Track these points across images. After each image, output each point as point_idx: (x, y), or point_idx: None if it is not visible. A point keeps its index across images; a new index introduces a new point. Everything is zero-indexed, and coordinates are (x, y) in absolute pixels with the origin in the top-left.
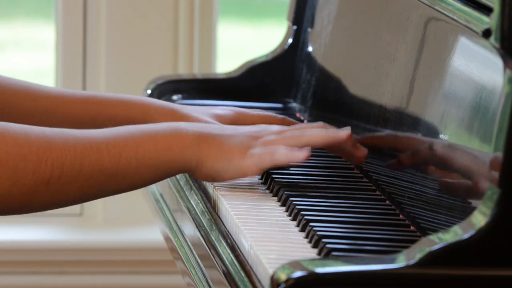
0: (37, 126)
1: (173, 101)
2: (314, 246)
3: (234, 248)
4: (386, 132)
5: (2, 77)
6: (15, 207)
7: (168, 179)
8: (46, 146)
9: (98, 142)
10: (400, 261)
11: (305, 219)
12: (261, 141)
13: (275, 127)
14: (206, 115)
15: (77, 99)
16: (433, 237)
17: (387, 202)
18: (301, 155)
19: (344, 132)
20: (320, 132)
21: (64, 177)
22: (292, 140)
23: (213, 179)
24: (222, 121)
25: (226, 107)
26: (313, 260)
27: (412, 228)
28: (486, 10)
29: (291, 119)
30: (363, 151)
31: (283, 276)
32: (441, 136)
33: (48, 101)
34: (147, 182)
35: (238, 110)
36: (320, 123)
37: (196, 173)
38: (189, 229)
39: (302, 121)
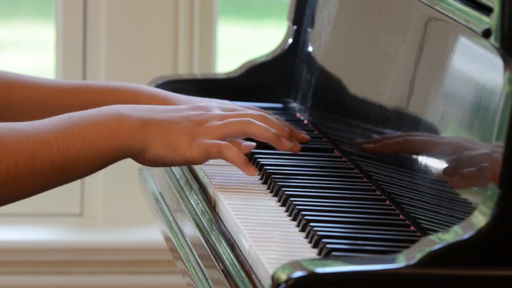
0: (28, 117)
1: None
2: (314, 246)
3: (234, 248)
4: (397, 137)
5: None
6: None
7: (168, 179)
8: (0, 147)
9: (48, 137)
10: (400, 261)
11: (305, 219)
12: (204, 128)
13: (217, 110)
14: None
15: (67, 89)
16: (433, 237)
17: (387, 202)
18: (246, 169)
19: (285, 145)
20: (265, 131)
21: (19, 175)
22: (236, 128)
23: (155, 164)
24: None
25: (223, 101)
26: (313, 260)
27: (412, 228)
28: (486, 10)
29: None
30: (303, 139)
31: (283, 276)
32: (441, 136)
33: (38, 92)
34: (94, 169)
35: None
36: (262, 113)
37: (139, 158)
38: (189, 229)
39: (302, 121)
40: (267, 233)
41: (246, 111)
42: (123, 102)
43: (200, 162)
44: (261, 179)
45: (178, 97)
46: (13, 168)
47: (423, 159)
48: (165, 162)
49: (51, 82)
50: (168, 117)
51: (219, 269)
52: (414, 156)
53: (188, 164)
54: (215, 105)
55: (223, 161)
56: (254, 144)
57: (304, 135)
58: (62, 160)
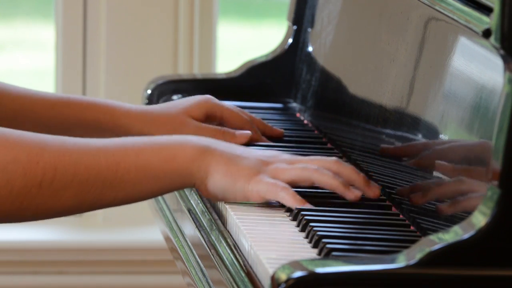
0: (9, 128)
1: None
2: (314, 246)
3: (234, 248)
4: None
5: None
6: (6, 212)
7: None
8: (39, 148)
9: (96, 148)
10: (400, 261)
11: (305, 219)
12: (271, 168)
13: (287, 155)
14: (181, 114)
15: (46, 101)
16: (433, 237)
17: (387, 202)
18: (306, 205)
19: (354, 194)
20: (333, 179)
21: (57, 181)
22: (303, 174)
23: (216, 197)
24: (194, 117)
25: (200, 100)
26: (313, 260)
27: (412, 228)
28: (486, 10)
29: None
30: (375, 192)
31: (283, 276)
32: (441, 136)
33: (15, 103)
34: (147, 194)
35: (211, 100)
36: (334, 160)
37: (201, 188)
38: (189, 229)
39: (302, 121)
40: (267, 233)
41: (317, 158)
42: (100, 116)
43: (257, 200)
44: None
45: (157, 109)
46: (51, 171)
47: (423, 159)
48: (225, 194)
49: (31, 93)
50: (236, 151)
51: (219, 269)
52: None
53: (247, 200)
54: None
55: None
56: (249, 132)
57: (377, 188)
58: (109, 174)
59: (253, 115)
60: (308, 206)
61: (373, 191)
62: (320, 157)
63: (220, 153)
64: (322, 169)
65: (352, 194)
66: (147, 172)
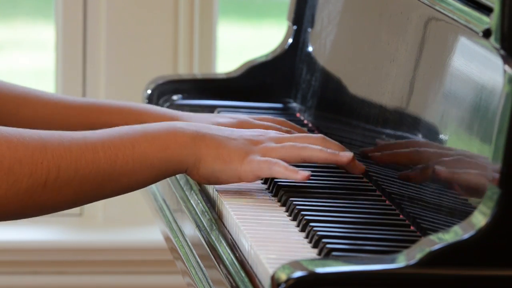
0: None
1: (173, 101)
2: (314, 246)
3: (234, 248)
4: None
5: (1, 82)
6: (12, 211)
7: (168, 179)
8: (41, 148)
9: (94, 142)
10: (400, 261)
11: (305, 219)
12: (260, 147)
13: (274, 133)
14: (208, 124)
15: (75, 106)
16: (433, 237)
17: (387, 202)
18: (299, 176)
19: (346, 157)
20: (320, 152)
21: (60, 178)
22: (292, 152)
23: (208, 180)
24: None
25: (228, 115)
26: (313, 260)
27: (412, 228)
28: (486, 10)
29: (296, 131)
30: (360, 169)
31: (283, 276)
32: (441, 136)
33: (46, 109)
34: (144, 182)
35: (241, 119)
36: (320, 136)
37: (193, 172)
38: (189, 229)
39: (302, 121)
40: (267, 233)
41: (303, 135)
42: (131, 122)
43: (251, 179)
44: (261, 179)
45: (187, 116)
46: (55, 170)
47: (422, 160)
48: (218, 177)
49: (60, 99)
50: (224, 134)
51: (219, 269)
52: (414, 157)
53: (240, 181)
54: (273, 128)
55: None
56: (306, 175)
57: (361, 166)
58: (108, 167)
59: (253, 115)
60: (302, 174)
61: (359, 167)
62: (306, 134)
63: (210, 137)
64: (311, 146)
65: (344, 158)
66: (143, 162)
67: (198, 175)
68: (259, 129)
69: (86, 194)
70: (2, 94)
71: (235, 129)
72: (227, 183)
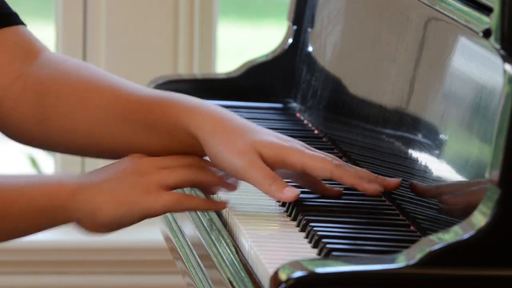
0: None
1: None
2: (314, 246)
3: (234, 248)
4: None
5: (84, 68)
6: None
7: None
8: None
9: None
10: (400, 261)
11: (305, 219)
12: (150, 180)
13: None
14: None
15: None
16: (433, 237)
17: (387, 202)
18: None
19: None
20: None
21: None
22: (186, 176)
23: (112, 228)
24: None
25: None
26: (313, 260)
27: (412, 228)
28: (486, 10)
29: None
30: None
31: (283, 276)
32: (441, 136)
33: (115, 99)
34: (30, 231)
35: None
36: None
37: (88, 225)
38: (189, 229)
39: (302, 121)
40: (267, 233)
41: (187, 160)
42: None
43: (160, 212)
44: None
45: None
46: None
47: (423, 160)
48: (122, 222)
49: (132, 91)
50: (109, 176)
51: (219, 269)
52: (414, 157)
53: (148, 217)
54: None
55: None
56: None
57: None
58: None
59: (253, 115)
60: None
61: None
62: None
63: (97, 184)
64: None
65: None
66: (30, 206)
67: (97, 226)
68: (138, 161)
69: None
70: (70, 83)
71: (115, 167)
72: (134, 223)
